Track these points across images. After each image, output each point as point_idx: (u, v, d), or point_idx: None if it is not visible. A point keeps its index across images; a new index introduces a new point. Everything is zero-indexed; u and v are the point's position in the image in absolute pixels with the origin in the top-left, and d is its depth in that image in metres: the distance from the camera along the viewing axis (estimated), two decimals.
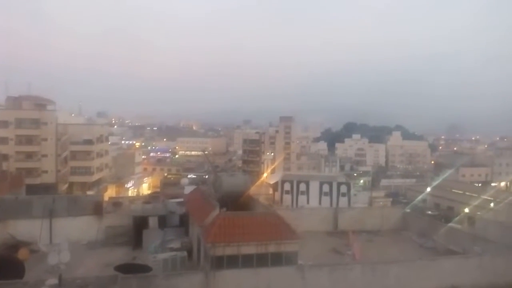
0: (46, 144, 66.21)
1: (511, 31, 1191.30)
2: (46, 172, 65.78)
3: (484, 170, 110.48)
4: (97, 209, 34.18)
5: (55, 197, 36.62)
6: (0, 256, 25.16)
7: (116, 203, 39.59)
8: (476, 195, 59.46)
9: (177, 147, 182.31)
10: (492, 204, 52.95)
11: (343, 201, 59.81)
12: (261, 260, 23.21)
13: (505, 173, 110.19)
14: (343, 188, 61.49)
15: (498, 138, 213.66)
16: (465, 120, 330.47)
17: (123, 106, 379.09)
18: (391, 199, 78.29)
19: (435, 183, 76.51)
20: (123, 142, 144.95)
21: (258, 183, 69.46)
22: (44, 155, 66.03)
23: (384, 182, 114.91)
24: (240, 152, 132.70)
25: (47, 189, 58.76)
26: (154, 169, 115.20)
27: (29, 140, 65.70)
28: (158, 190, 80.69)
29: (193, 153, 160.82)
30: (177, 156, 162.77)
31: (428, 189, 72.27)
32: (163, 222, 32.59)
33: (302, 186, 61.91)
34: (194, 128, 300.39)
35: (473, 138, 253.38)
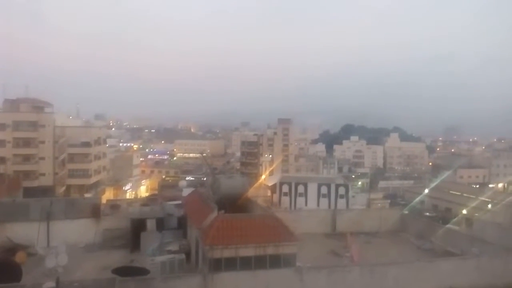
0: (44, 146, 66.11)
1: (508, 33, 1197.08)
2: (43, 174, 65.67)
3: (482, 171, 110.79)
4: (95, 211, 34.08)
5: (52, 199, 36.54)
6: None
7: (114, 206, 39.53)
8: (473, 196, 59.56)
9: (175, 149, 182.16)
10: (489, 206, 53.02)
11: (341, 203, 59.84)
12: (260, 262, 23.18)
13: (502, 175, 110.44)
14: (341, 190, 61.54)
15: (495, 140, 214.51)
16: (462, 122, 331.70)
17: (121, 108, 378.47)
18: (389, 201, 78.41)
19: (433, 185, 76.54)
20: (121, 144, 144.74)
21: (256, 185, 69.48)
22: (42, 158, 65.92)
23: (382, 183, 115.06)
24: (238, 154, 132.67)
25: (45, 191, 58.68)
26: (152, 172, 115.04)
27: (27, 142, 65.57)
28: (156, 192, 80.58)
29: (191, 155, 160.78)
30: (175, 158, 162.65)
31: (426, 190, 72.30)
32: (161, 224, 32.51)
33: (300, 188, 61.92)
34: (192, 130, 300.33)
35: (470, 140, 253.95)
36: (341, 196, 60.93)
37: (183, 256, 26.87)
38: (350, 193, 64.12)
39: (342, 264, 27.83)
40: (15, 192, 46.12)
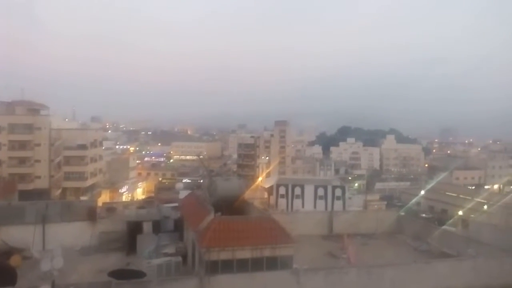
0: (39, 149, 65.85)
1: (504, 35, 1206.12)
2: (39, 177, 65.40)
3: (478, 173, 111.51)
4: (91, 214, 33.91)
5: (48, 202, 36.31)
6: None
7: (110, 209, 39.33)
8: (469, 197, 59.90)
9: (171, 152, 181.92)
10: (485, 207, 53.31)
11: (338, 204, 59.92)
12: (256, 265, 23.14)
13: (498, 176, 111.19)
14: (338, 192, 61.62)
15: (491, 141, 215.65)
16: (458, 124, 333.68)
17: (117, 111, 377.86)
18: (385, 202, 78.75)
19: (429, 186, 76.91)
20: (117, 147, 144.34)
21: (253, 187, 69.47)
22: (37, 161, 65.65)
23: (378, 185, 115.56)
24: (235, 156, 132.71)
25: (40, 194, 58.39)
26: (148, 174, 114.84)
27: (22, 145, 65.33)
28: (153, 195, 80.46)
29: (188, 157, 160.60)
30: (171, 160, 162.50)
31: (422, 192, 72.64)
32: (157, 227, 32.38)
33: (297, 190, 61.96)
34: (189, 132, 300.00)
35: (466, 141, 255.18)
36: (338, 198, 61.01)
37: (179, 258, 26.77)
38: (347, 194, 64.24)
39: (339, 265, 27.83)
40: (10, 195, 45.94)
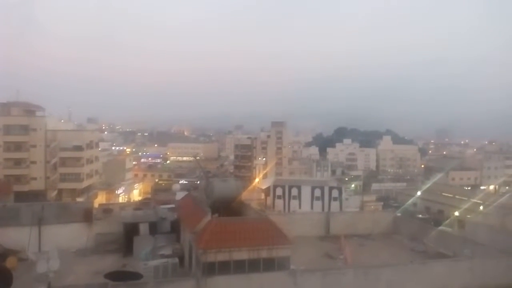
0: (35, 150, 65.56)
1: (500, 37, 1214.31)
2: (35, 179, 65.09)
3: (473, 173, 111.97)
4: (87, 216, 33.79)
5: (44, 204, 36.19)
6: None
7: (106, 210, 39.16)
8: (465, 198, 60.12)
9: (168, 153, 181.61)
10: (481, 207, 53.51)
11: (335, 205, 60.10)
12: (253, 266, 23.13)
13: (493, 177, 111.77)
14: (335, 193, 61.81)
15: (486, 142, 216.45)
16: (454, 125, 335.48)
17: (113, 112, 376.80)
18: (382, 203, 78.97)
19: (425, 187, 77.15)
20: (113, 148, 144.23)
21: (250, 188, 69.51)
22: (33, 162, 65.35)
23: (375, 186, 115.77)
24: (232, 157, 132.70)
25: (36, 196, 58.18)
26: (145, 175, 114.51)
27: (18, 146, 65.03)
28: (149, 196, 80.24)
29: (184, 158, 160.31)
30: (168, 161, 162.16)
31: (419, 193, 72.85)
32: (154, 228, 32.29)
33: (294, 191, 62.07)
34: (185, 133, 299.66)
35: (462, 142, 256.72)
36: (335, 199, 61.19)
37: (176, 260, 26.70)
38: (344, 195, 64.46)
39: (336, 266, 27.86)
40: (6, 197, 45.72)
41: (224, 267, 22.67)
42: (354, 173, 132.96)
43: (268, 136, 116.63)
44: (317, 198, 61.36)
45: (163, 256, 27.80)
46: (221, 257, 22.83)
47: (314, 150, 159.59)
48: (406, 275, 25.19)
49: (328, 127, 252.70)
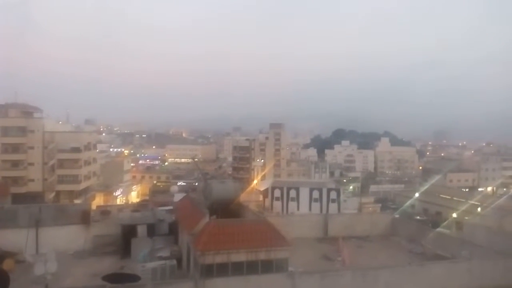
0: (33, 152, 65.33)
1: (497, 39, 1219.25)
2: (32, 180, 64.83)
3: (471, 175, 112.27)
4: (85, 218, 33.67)
5: (41, 206, 36.00)
6: None
7: (104, 212, 39.07)
8: (463, 200, 60.37)
9: (166, 155, 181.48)
10: (479, 209, 53.67)
11: (333, 207, 60.12)
12: (252, 268, 23.08)
13: (491, 178, 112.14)
14: (333, 194, 61.84)
15: (484, 144, 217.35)
16: (451, 126, 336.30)
17: (112, 113, 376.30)
18: (380, 205, 78.97)
19: (423, 189, 77.42)
20: (111, 149, 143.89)
21: (248, 190, 69.45)
22: (31, 164, 65.12)
23: (373, 188, 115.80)
24: (230, 159, 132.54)
25: (34, 198, 57.95)
26: (143, 177, 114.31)
27: (16, 148, 64.81)
28: (147, 198, 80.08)
29: (182, 160, 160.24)
30: (166, 163, 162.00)
31: (417, 194, 73.12)
32: (152, 230, 32.21)
33: (292, 193, 62.07)
34: (184, 135, 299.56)
35: (459, 144, 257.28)
36: (333, 201, 61.22)
37: (174, 262, 26.65)
38: (342, 197, 64.51)
39: (334, 268, 27.85)
40: (3, 199, 45.37)
41: (222, 269, 22.62)
42: (352, 174, 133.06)
43: (267, 138, 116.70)
44: (315, 200, 61.39)
45: (161, 258, 27.74)
46: (219, 259, 22.78)
47: (312, 152, 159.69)
48: (404, 276, 25.19)
49: (326, 128, 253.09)
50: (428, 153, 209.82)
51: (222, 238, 23.63)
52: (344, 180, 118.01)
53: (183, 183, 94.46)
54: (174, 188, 72.31)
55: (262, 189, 67.21)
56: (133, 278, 23.80)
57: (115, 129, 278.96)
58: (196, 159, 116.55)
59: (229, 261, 22.91)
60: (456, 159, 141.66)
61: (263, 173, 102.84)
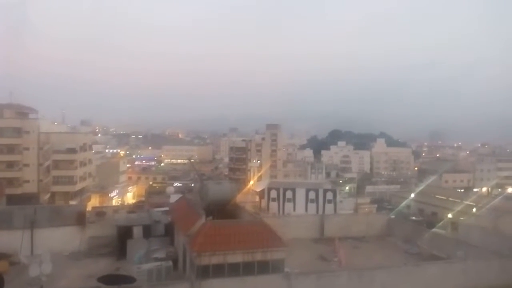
0: (28, 153, 65.02)
1: (492, 41, 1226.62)
2: (27, 181, 64.52)
3: (466, 176, 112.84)
4: (80, 219, 33.53)
5: (36, 207, 35.83)
6: None
7: (99, 213, 38.97)
8: (459, 200, 60.62)
9: (162, 155, 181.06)
10: (474, 209, 53.94)
11: (329, 208, 60.21)
12: (248, 269, 23.08)
13: (486, 179, 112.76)
14: (329, 195, 61.94)
15: (479, 145, 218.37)
16: (447, 127, 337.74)
17: (107, 114, 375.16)
18: (376, 206, 79.22)
19: (419, 189, 77.66)
20: (107, 150, 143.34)
21: (244, 190, 69.51)
22: (26, 165, 64.80)
23: (369, 188, 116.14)
24: (226, 160, 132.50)
25: (29, 199, 57.69)
26: (139, 178, 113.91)
27: (11, 149, 64.46)
28: (143, 199, 79.84)
29: (179, 161, 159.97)
30: (162, 164, 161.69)
31: (412, 195, 73.32)
32: (148, 231, 32.12)
33: (289, 194, 62.11)
34: (180, 136, 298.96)
35: (455, 145, 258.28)
36: (329, 201, 61.31)
37: (170, 263, 26.58)
38: (338, 198, 64.58)
39: (331, 269, 27.89)
40: None
41: (218, 270, 22.59)
42: (348, 175, 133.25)
43: (263, 139, 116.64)
44: (312, 201, 61.46)
45: (156, 259, 27.66)
46: (215, 260, 22.76)
47: (308, 153, 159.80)
48: (400, 277, 25.27)
49: (322, 129, 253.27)
50: (423, 154, 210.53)
51: (218, 239, 23.61)
52: (340, 181, 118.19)
53: (179, 184, 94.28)
54: (170, 189, 71.95)
55: (258, 190, 67.20)
56: (129, 279, 23.72)
57: (111, 130, 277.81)
58: (192, 160, 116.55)
59: (225, 262, 22.90)
60: (451, 160, 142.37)
61: (259, 174, 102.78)
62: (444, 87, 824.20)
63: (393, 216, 44.96)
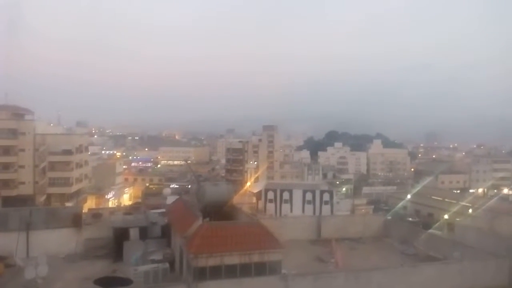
0: (24, 154, 64.64)
1: (488, 42, 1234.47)
2: (23, 183, 64.12)
3: (462, 177, 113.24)
4: (76, 221, 33.39)
5: (32, 209, 35.70)
6: None
7: (95, 215, 38.79)
8: (455, 201, 60.80)
9: (159, 157, 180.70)
10: (470, 210, 54.15)
11: (326, 209, 60.19)
12: (245, 270, 23.05)
13: (482, 180, 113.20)
14: (326, 196, 61.93)
15: (475, 146, 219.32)
16: (443, 129, 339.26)
17: (104, 116, 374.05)
18: (372, 207, 79.38)
19: (415, 190, 77.83)
20: (103, 152, 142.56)
21: (241, 192, 69.44)
22: (22, 166, 64.41)
23: (365, 189, 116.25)
24: (223, 161, 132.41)
25: (24, 201, 57.30)
26: (135, 179, 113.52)
27: (6, 150, 64.05)
28: (140, 200, 79.65)
29: (175, 162, 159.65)
30: (159, 165, 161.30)
31: (409, 196, 73.49)
32: (144, 233, 32.04)
33: (286, 195, 62.06)
34: (176, 137, 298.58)
35: (451, 146, 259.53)
36: (326, 203, 61.30)
37: (167, 265, 26.53)
38: (335, 199, 64.59)
39: (327, 270, 27.91)
40: None
41: (215, 272, 22.56)
42: (345, 176, 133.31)
43: (260, 140, 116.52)
44: (309, 202, 61.44)
45: (153, 261, 27.59)
46: (212, 261, 22.72)
47: (305, 154, 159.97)
48: (396, 278, 25.34)
49: (319, 131, 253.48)
50: (420, 155, 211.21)
51: (215, 241, 23.58)
52: (337, 182, 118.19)
53: (176, 186, 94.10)
54: (166, 191, 72.04)
55: (255, 191, 67.15)
56: (126, 281, 23.65)
57: (107, 131, 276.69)
58: (189, 162, 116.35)
59: (222, 264, 22.87)
60: (447, 161, 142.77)
61: (256, 175, 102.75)
62: (441, 88, 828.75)
63: (389, 217, 45.11)
